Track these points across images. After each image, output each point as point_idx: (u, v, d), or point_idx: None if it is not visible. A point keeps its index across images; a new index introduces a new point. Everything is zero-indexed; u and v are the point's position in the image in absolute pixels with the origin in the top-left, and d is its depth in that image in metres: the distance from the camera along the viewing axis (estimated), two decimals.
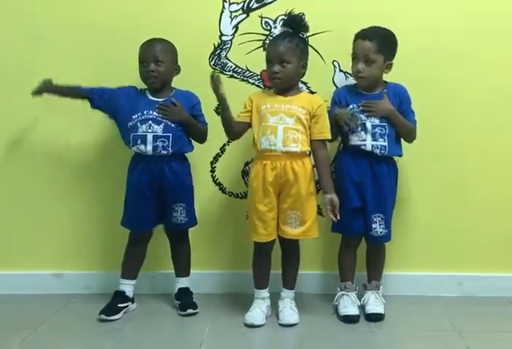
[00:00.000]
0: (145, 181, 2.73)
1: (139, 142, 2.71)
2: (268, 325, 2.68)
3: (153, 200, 2.76)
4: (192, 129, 2.77)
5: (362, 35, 2.67)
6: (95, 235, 3.05)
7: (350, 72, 2.81)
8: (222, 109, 2.67)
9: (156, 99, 2.76)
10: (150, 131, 2.70)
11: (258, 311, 2.70)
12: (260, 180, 2.65)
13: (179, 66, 2.80)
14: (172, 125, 2.71)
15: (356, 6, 2.93)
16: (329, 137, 2.69)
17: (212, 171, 3.03)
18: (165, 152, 2.71)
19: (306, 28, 2.72)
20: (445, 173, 3.01)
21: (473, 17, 2.93)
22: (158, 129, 2.71)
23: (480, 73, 2.96)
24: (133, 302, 2.83)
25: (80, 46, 2.96)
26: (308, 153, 2.71)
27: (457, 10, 2.94)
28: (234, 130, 2.72)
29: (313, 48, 2.90)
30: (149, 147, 2.70)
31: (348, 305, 2.74)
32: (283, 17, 2.87)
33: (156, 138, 2.70)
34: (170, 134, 2.71)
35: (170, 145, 2.70)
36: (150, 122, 2.71)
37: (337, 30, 2.90)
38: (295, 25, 2.71)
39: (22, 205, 3.05)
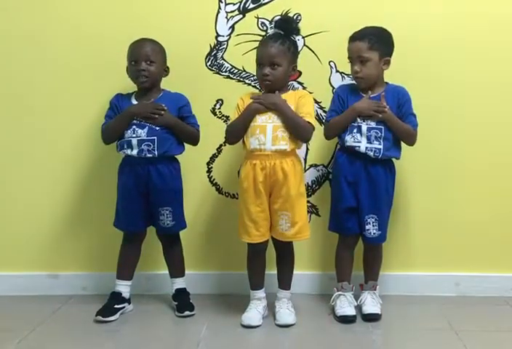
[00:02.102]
0: (132, 183, 2.73)
1: (125, 147, 2.71)
2: (264, 325, 2.68)
3: (142, 202, 2.75)
4: (179, 132, 2.74)
5: (353, 37, 2.68)
6: (92, 236, 3.05)
7: (347, 73, 2.83)
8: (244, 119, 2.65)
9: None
10: (134, 136, 2.69)
11: (255, 312, 2.70)
12: (251, 181, 2.63)
13: (168, 67, 2.80)
14: (156, 128, 2.69)
15: (353, 6, 2.93)
16: (310, 120, 2.62)
17: (209, 171, 3.03)
18: (150, 155, 2.69)
19: (297, 31, 2.72)
20: (443, 173, 3.01)
21: (472, 12, 2.94)
22: (142, 133, 2.69)
23: (478, 70, 2.95)
24: (129, 303, 2.83)
25: (78, 50, 2.97)
26: (296, 153, 2.70)
27: (453, 8, 2.93)
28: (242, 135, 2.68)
29: (310, 48, 2.91)
30: (134, 152, 2.69)
31: (345, 306, 2.73)
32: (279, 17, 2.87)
33: (140, 142, 2.68)
34: (155, 138, 2.69)
35: (156, 147, 2.68)
36: (134, 127, 2.70)
37: (333, 30, 2.90)
38: (286, 27, 2.70)
39: (19, 206, 3.05)
